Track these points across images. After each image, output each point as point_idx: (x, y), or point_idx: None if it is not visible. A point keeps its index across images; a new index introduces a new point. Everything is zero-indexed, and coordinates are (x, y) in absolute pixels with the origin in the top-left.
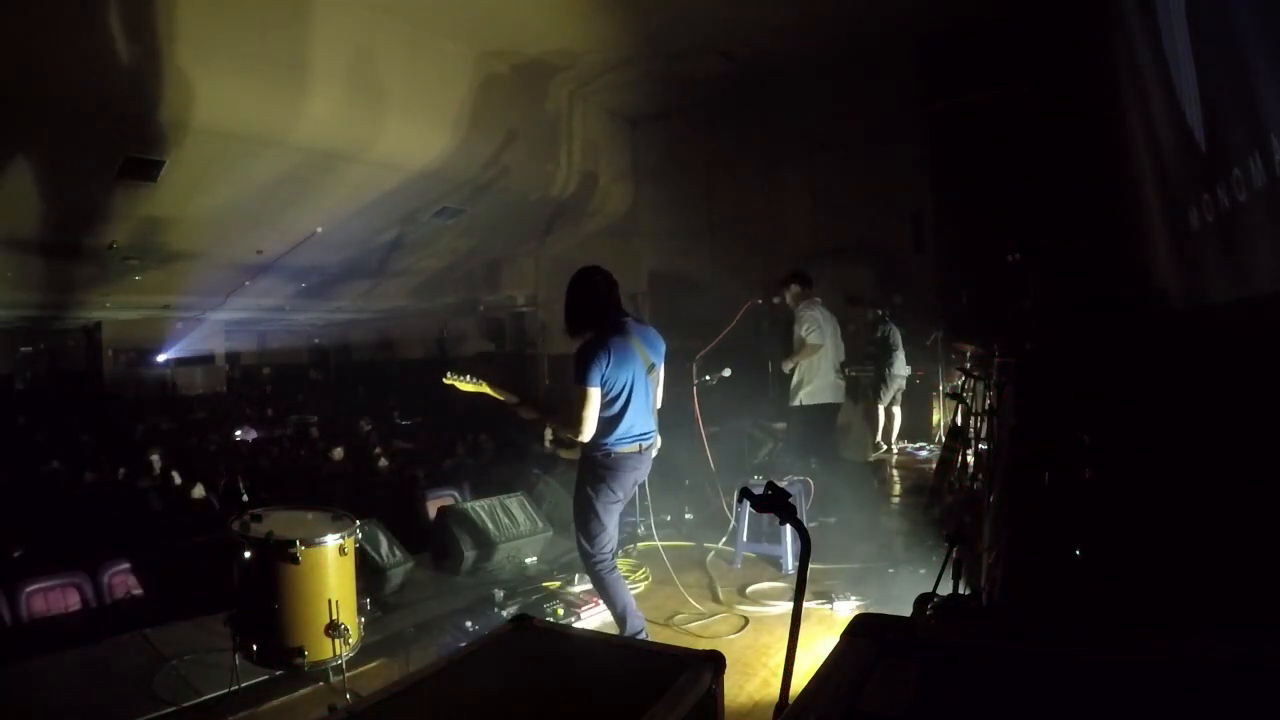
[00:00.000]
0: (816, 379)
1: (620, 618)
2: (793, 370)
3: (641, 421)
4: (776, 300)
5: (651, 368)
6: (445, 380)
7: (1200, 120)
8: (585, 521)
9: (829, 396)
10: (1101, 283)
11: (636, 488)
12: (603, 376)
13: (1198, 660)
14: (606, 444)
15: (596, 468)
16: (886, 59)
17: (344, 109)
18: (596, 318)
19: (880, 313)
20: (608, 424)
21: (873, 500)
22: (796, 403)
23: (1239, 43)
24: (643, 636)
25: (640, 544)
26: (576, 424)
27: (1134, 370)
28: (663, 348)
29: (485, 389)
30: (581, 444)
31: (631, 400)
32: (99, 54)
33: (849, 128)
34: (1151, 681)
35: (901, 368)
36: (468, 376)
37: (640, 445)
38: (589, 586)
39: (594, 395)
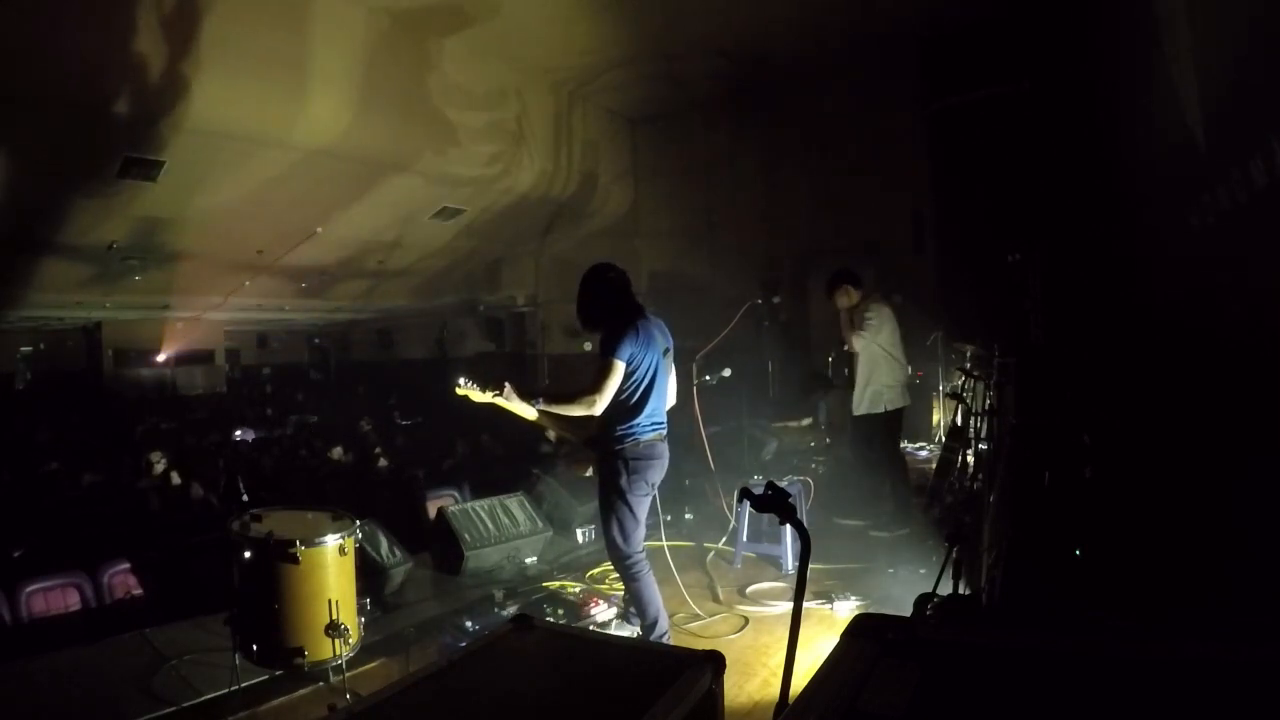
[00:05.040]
0: (875, 384)
1: (653, 619)
2: (853, 374)
3: (660, 409)
4: (776, 300)
5: (666, 351)
6: (458, 390)
7: (1200, 120)
8: (620, 519)
9: (894, 401)
10: (1101, 283)
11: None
12: (631, 354)
13: (1198, 660)
14: (634, 432)
15: (626, 459)
16: (886, 59)
17: (344, 109)
18: (614, 309)
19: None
20: (633, 409)
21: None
22: (862, 411)
23: (1239, 42)
24: (666, 639)
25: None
26: (594, 393)
27: (1134, 370)
28: (670, 338)
29: (500, 403)
30: (597, 435)
31: (654, 385)
32: (99, 54)
33: (849, 128)
34: (1151, 681)
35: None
36: (483, 388)
37: (660, 433)
38: (585, 586)
39: (619, 370)
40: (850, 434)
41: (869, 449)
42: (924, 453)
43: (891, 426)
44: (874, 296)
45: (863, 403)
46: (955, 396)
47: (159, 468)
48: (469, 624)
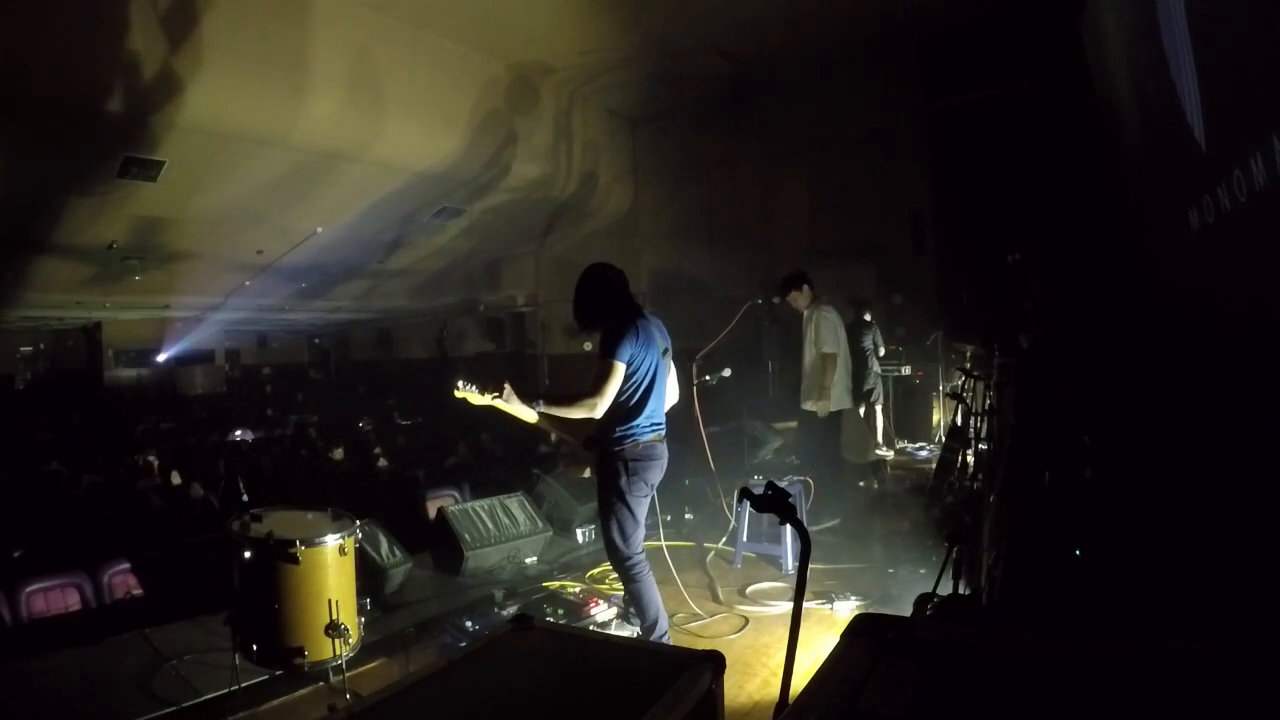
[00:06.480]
0: (809, 381)
1: (653, 619)
2: (814, 375)
3: (660, 410)
4: (776, 300)
5: (666, 351)
6: (457, 393)
7: (1200, 120)
8: (619, 520)
9: (840, 403)
10: (1101, 283)
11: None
12: (631, 355)
13: (1198, 660)
14: (633, 433)
15: (626, 460)
16: (886, 59)
17: (344, 109)
18: (613, 309)
19: (863, 315)
20: (632, 410)
21: (871, 501)
22: (806, 406)
23: (1239, 43)
24: (666, 640)
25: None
26: (595, 396)
27: (1134, 370)
28: (669, 338)
29: (499, 405)
30: (596, 436)
31: (654, 386)
32: (99, 54)
33: (849, 128)
34: (1151, 681)
35: (877, 367)
36: (481, 390)
37: (660, 434)
38: (585, 586)
39: (620, 371)
40: None
41: (807, 444)
42: (924, 453)
43: (829, 425)
44: (822, 299)
45: (806, 399)
46: (955, 396)
47: (159, 468)
48: (469, 624)
